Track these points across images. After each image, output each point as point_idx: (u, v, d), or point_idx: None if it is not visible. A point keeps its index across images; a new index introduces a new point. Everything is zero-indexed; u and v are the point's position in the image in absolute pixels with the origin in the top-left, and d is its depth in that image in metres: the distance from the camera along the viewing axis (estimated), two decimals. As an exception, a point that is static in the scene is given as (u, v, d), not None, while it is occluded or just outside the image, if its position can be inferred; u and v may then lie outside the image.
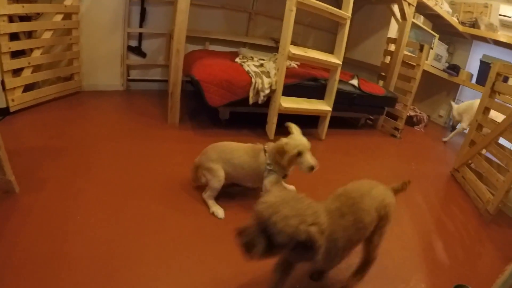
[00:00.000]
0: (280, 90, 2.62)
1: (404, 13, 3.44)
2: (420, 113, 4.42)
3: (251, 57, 3.11)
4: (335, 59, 2.86)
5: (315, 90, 2.98)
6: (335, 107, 2.95)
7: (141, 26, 3.37)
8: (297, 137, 1.67)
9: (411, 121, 4.29)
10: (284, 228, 0.92)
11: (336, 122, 2.98)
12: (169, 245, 1.49)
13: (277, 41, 3.68)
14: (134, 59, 3.43)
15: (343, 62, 2.89)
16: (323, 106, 2.92)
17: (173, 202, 1.80)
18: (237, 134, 2.63)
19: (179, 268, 1.37)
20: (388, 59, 3.79)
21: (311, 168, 1.63)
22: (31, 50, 2.99)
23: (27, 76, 2.91)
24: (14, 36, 2.77)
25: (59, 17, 3.03)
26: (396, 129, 3.56)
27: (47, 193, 1.83)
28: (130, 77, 3.48)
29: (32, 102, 2.96)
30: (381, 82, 3.94)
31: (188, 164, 2.17)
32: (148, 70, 3.56)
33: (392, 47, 3.76)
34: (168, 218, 1.68)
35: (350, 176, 2.29)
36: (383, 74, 3.91)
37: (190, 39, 3.31)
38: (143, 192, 1.86)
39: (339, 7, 2.72)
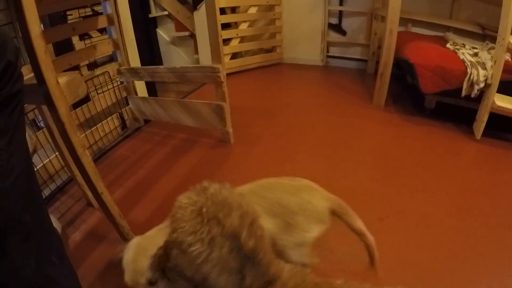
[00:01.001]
0: (495, 85, 2.40)
1: None
2: None
3: (463, 44, 2.89)
4: None
5: (529, 91, 2.63)
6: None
7: (341, 4, 3.45)
8: None
9: None
10: None
11: None
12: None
13: (484, 27, 3.33)
14: (334, 36, 3.57)
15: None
16: (538, 111, 2.57)
17: (379, 176, 1.86)
18: (442, 127, 2.53)
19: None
20: None
21: None
22: (236, 23, 3.36)
23: (235, 46, 3.31)
24: (221, 11, 3.16)
25: (262, -6, 3.31)
26: None
27: (259, 148, 2.06)
28: (329, 54, 3.63)
29: (237, 69, 3.36)
30: None
31: (395, 146, 2.20)
32: (348, 48, 3.65)
33: None
34: (373, 188, 1.75)
35: None
36: None
37: (392, 20, 3.26)
38: (353, 162, 1.97)
39: None
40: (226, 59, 3.32)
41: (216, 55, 2.00)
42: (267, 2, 3.42)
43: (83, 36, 2.80)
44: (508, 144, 2.50)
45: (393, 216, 1.60)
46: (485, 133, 2.44)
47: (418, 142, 2.31)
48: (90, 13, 2.92)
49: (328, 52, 3.64)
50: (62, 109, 1.05)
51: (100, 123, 2.09)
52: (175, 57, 3.78)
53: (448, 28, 3.46)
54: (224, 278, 0.59)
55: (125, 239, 1.30)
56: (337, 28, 3.49)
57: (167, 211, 1.40)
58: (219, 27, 2.87)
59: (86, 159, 1.14)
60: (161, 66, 2.11)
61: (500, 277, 1.33)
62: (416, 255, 1.40)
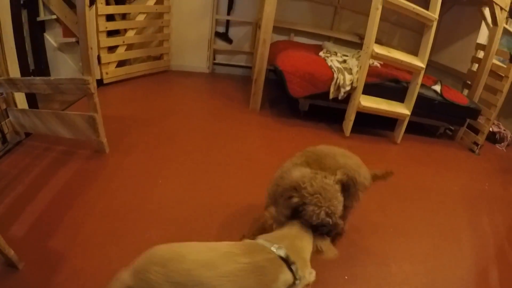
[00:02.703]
0: (360, 88, 2.61)
1: (496, 17, 3.14)
2: (504, 130, 4.08)
3: (335, 52, 3.11)
4: (419, 62, 2.75)
5: (396, 92, 2.90)
6: (414, 112, 2.85)
7: (228, 13, 3.54)
8: None
9: (493, 138, 3.97)
10: None
11: (414, 128, 2.88)
12: (237, 217, 1.61)
13: (361, 37, 3.62)
14: (221, 44, 3.63)
15: (426, 65, 2.78)
16: (402, 109, 2.84)
17: (249, 179, 1.91)
18: (315, 127, 2.68)
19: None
20: (475, 66, 3.54)
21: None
22: (125, 30, 3.29)
23: (121, 53, 3.22)
24: (110, 17, 3.08)
25: (151, 2, 3.29)
26: (476, 144, 3.31)
27: (133, 156, 2.04)
28: (216, 61, 3.69)
29: (123, 77, 3.26)
30: (465, 91, 3.70)
31: (266, 148, 2.27)
32: (233, 56, 3.74)
33: (480, 54, 3.51)
34: (242, 192, 1.79)
35: (419, 183, 2.24)
36: (468, 82, 3.67)
37: (275, 29, 3.39)
38: (223, 167, 2.01)
39: (428, 7, 2.60)
40: (112, 67, 3.19)
41: (86, 66, 1.93)
42: (156, 10, 3.38)
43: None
44: (375, 138, 2.72)
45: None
46: (355, 130, 2.63)
47: (289, 142, 2.40)
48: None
49: (214, 59, 3.70)
50: None
51: (-21, 139, 1.89)
52: (62, 64, 3.55)
53: (329, 38, 3.73)
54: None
55: (3, 254, 1.22)
56: (224, 36, 3.56)
57: (45, 225, 1.26)
58: (90, 38, 2.76)
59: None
60: (37, 78, 1.98)
61: (361, 259, 1.37)
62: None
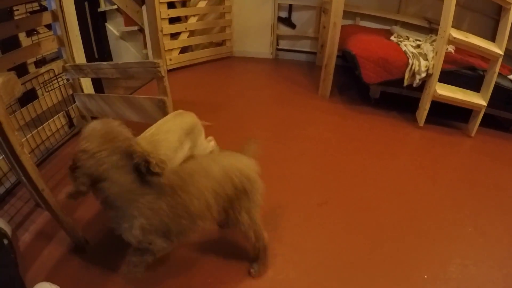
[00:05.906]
0: (437, 75, 2.46)
1: None
2: None
3: (407, 36, 2.95)
4: (497, 49, 2.54)
5: (471, 80, 2.70)
6: (489, 103, 2.65)
7: (291, -3, 3.44)
8: None
9: None
10: None
11: (486, 120, 2.68)
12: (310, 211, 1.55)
13: (430, 22, 3.42)
14: (284, 29, 3.57)
15: (501, 53, 2.57)
16: (478, 100, 2.64)
17: (324, 171, 1.85)
18: (386, 115, 2.57)
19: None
20: (554, 54, 3.24)
21: None
22: (186, 17, 3.30)
23: (183, 40, 3.24)
24: (170, 5, 3.11)
25: (212, -12, 3.28)
26: (552, 141, 3.06)
27: None
28: (279, 47, 3.64)
29: (186, 63, 3.29)
30: (543, 81, 3.41)
31: (338, 136, 2.21)
32: (297, 41, 3.66)
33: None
34: (320, 180, 1.74)
35: (496, 182, 2.01)
36: (546, 72, 3.38)
37: (341, 13, 3.30)
38: (297, 156, 1.96)
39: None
40: (175, 53, 3.25)
41: (156, 50, 1.94)
42: (217, -5, 3.39)
43: (30, 32, 2.64)
44: (448, 129, 2.56)
45: (332, 201, 1.58)
46: (427, 120, 2.49)
47: (361, 130, 2.32)
48: (38, 8, 2.76)
49: (278, 45, 3.65)
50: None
51: (47, 122, 1.98)
52: (125, 52, 3.65)
53: (396, 22, 3.54)
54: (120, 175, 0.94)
55: (71, 236, 1.31)
56: (286, 21, 3.49)
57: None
58: (159, 22, 2.79)
59: (25, 157, 1.13)
60: (104, 62, 2.02)
61: (440, 257, 1.33)
62: (355, 237, 1.39)
